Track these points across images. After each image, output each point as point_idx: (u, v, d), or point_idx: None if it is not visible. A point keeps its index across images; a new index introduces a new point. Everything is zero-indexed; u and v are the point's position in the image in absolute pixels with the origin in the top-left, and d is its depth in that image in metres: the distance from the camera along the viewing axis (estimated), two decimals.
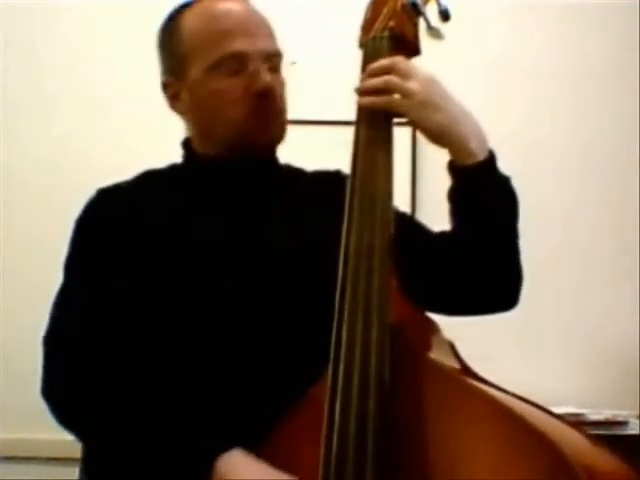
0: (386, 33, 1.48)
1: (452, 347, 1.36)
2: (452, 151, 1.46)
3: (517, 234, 1.52)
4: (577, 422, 2.68)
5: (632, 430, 2.85)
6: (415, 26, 1.52)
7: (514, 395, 1.24)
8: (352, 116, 1.47)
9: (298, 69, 3.13)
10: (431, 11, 1.52)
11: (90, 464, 1.54)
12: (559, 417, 1.23)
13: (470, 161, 1.45)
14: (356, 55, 1.52)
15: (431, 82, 1.45)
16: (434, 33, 1.52)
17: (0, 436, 3.05)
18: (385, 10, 1.51)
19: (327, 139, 2.78)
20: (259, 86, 1.55)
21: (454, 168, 1.47)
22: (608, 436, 2.70)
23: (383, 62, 1.44)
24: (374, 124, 1.43)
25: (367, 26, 1.53)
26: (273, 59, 1.59)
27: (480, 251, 1.48)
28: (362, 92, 1.44)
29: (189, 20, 1.61)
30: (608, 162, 3.24)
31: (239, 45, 1.56)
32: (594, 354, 3.15)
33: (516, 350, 3.10)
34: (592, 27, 3.27)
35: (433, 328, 1.37)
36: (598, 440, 1.21)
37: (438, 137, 1.45)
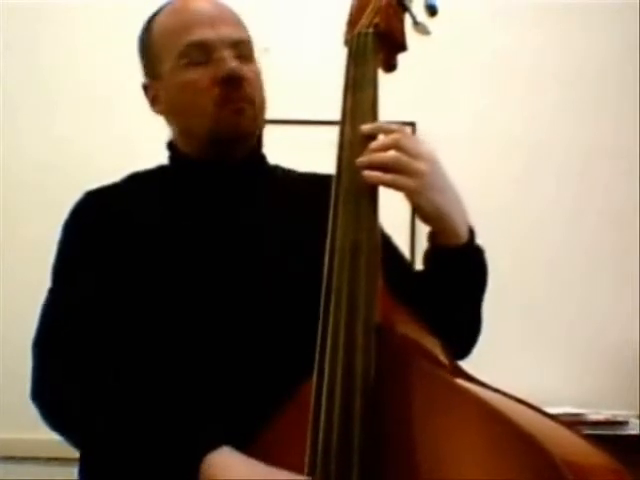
0: (371, 29, 1.45)
1: (442, 346, 1.35)
2: (441, 232, 1.44)
3: (482, 301, 1.54)
4: (577, 422, 2.70)
5: (632, 430, 2.85)
6: (401, 22, 1.49)
7: (505, 394, 1.23)
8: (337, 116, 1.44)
9: (290, 69, 3.15)
10: (418, 6, 1.49)
11: (85, 463, 1.54)
12: (552, 417, 1.22)
13: (455, 243, 1.44)
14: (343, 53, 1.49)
15: (435, 162, 1.41)
16: (420, 29, 1.49)
17: (0, 436, 3.05)
18: (371, 6, 1.48)
19: (316, 139, 2.79)
20: (224, 72, 1.54)
21: (436, 242, 1.46)
22: (608, 436, 2.70)
23: (389, 139, 1.38)
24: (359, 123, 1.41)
25: (352, 22, 1.50)
26: (240, 47, 1.58)
27: (443, 312, 1.46)
28: (367, 166, 1.37)
29: (159, 20, 1.63)
30: (608, 162, 3.24)
31: (202, 34, 1.56)
32: (594, 354, 3.15)
33: (516, 350, 3.10)
34: (592, 27, 3.27)
35: (423, 328, 1.36)
36: (592, 440, 1.20)
37: (433, 219, 1.42)
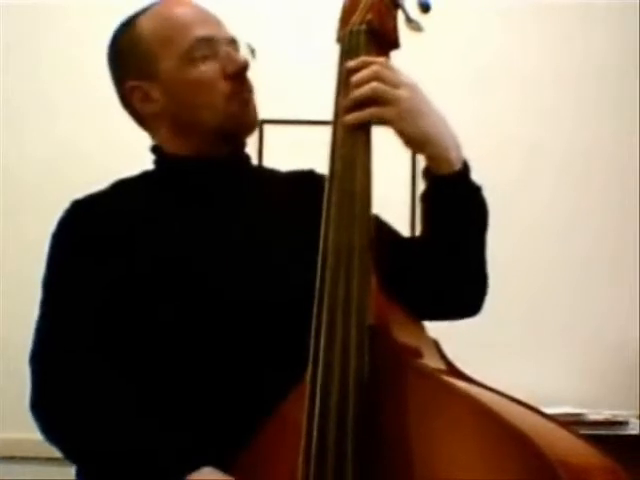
0: (363, 27, 1.45)
1: (437, 346, 1.35)
2: (433, 159, 1.45)
3: (485, 243, 1.53)
4: (577, 422, 2.70)
5: (632, 430, 2.85)
6: (394, 19, 1.49)
7: (500, 394, 1.23)
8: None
9: (290, 70, 3.15)
10: (410, 3, 1.49)
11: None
12: (549, 417, 1.22)
13: (448, 170, 1.45)
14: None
15: (416, 88, 1.43)
16: (413, 26, 1.49)
17: (0, 436, 3.05)
18: (363, 2, 1.47)
19: (316, 139, 2.79)
20: (235, 66, 1.58)
21: (431, 175, 1.47)
22: (608, 436, 2.70)
23: (368, 71, 1.40)
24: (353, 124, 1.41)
25: (344, 19, 1.49)
26: (235, 44, 1.62)
27: (448, 256, 1.49)
28: (348, 108, 1.40)
29: (147, 22, 1.63)
30: (608, 163, 3.24)
31: (205, 31, 1.58)
32: (594, 354, 3.15)
33: (516, 350, 3.10)
34: (592, 27, 3.27)
35: (417, 327, 1.36)
36: (589, 440, 1.20)
37: (422, 145, 1.44)
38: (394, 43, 1.50)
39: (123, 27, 1.66)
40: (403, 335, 1.31)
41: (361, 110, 1.39)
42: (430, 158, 1.45)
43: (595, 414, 2.86)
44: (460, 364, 1.34)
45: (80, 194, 1.62)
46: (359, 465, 1.22)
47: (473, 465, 1.15)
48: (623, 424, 2.86)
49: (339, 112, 1.42)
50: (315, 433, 1.24)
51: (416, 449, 1.19)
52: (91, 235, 1.54)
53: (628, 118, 3.21)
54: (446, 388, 1.22)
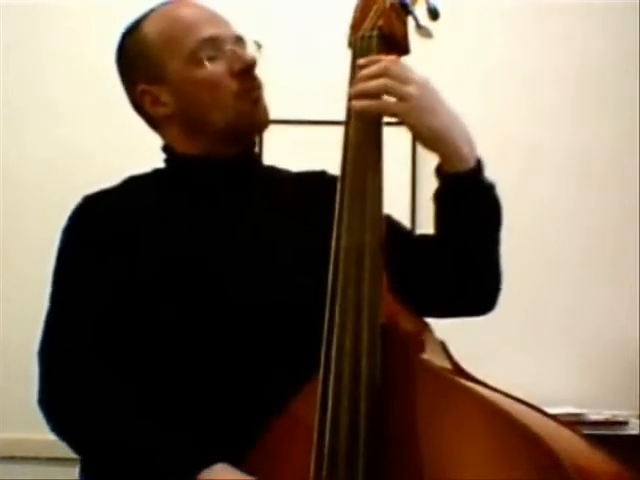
0: (375, 32, 1.46)
1: (443, 346, 1.36)
2: (445, 156, 1.45)
3: (499, 240, 1.54)
4: (577, 422, 2.70)
5: (632, 430, 2.85)
6: (404, 25, 1.50)
7: (506, 394, 1.24)
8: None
9: (291, 69, 3.14)
10: (420, 10, 1.50)
11: (87, 463, 1.55)
12: (552, 417, 1.23)
13: (461, 167, 1.45)
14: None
15: (427, 86, 1.43)
16: (423, 32, 1.50)
17: (0, 436, 3.05)
18: (374, 9, 1.48)
19: (316, 139, 2.79)
20: (242, 63, 1.58)
21: (444, 173, 1.47)
22: (608, 436, 2.70)
23: (377, 66, 1.40)
24: (364, 124, 1.41)
25: (356, 25, 1.50)
26: (240, 42, 1.61)
27: (462, 254, 1.49)
28: (355, 96, 1.40)
29: (152, 25, 1.62)
30: (608, 162, 3.24)
31: (210, 30, 1.58)
32: (594, 354, 3.15)
33: (516, 350, 3.10)
34: (592, 27, 3.27)
35: (424, 328, 1.37)
36: (592, 440, 1.21)
37: (433, 142, 1.43)
38: (404, 49, 1.51)
39: (129, 31, 1.66)
40: (412, 334, 1.32)
41: (371, 100, 1.39)
42: (442, 156, 1.45)
43: (595, 414, 2.87)
44: (460, 363, 1.35)
45: (80, 194, 1.62)
46: (370, 464, 1.23)
47: (483, 464, 1.16)
48: (623, 424, 2.86)
49: (351, 115, 1.42)
50: (327, 432, 1.25)
51: (426, 448, 1.20)
52: (98, 232, 1.55)
53: (628, 118, 3.21)
54: (456, 387, 1.24)
